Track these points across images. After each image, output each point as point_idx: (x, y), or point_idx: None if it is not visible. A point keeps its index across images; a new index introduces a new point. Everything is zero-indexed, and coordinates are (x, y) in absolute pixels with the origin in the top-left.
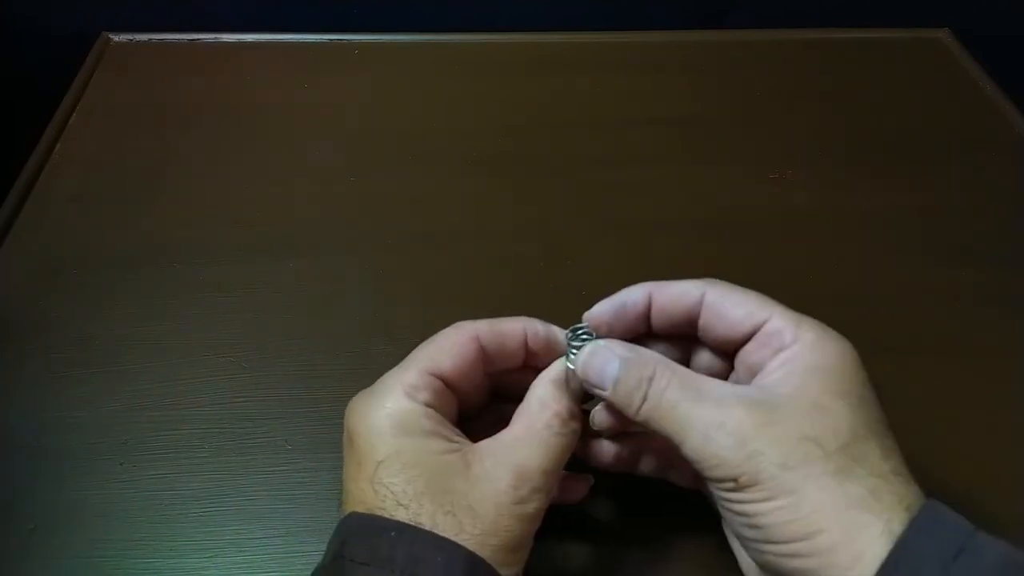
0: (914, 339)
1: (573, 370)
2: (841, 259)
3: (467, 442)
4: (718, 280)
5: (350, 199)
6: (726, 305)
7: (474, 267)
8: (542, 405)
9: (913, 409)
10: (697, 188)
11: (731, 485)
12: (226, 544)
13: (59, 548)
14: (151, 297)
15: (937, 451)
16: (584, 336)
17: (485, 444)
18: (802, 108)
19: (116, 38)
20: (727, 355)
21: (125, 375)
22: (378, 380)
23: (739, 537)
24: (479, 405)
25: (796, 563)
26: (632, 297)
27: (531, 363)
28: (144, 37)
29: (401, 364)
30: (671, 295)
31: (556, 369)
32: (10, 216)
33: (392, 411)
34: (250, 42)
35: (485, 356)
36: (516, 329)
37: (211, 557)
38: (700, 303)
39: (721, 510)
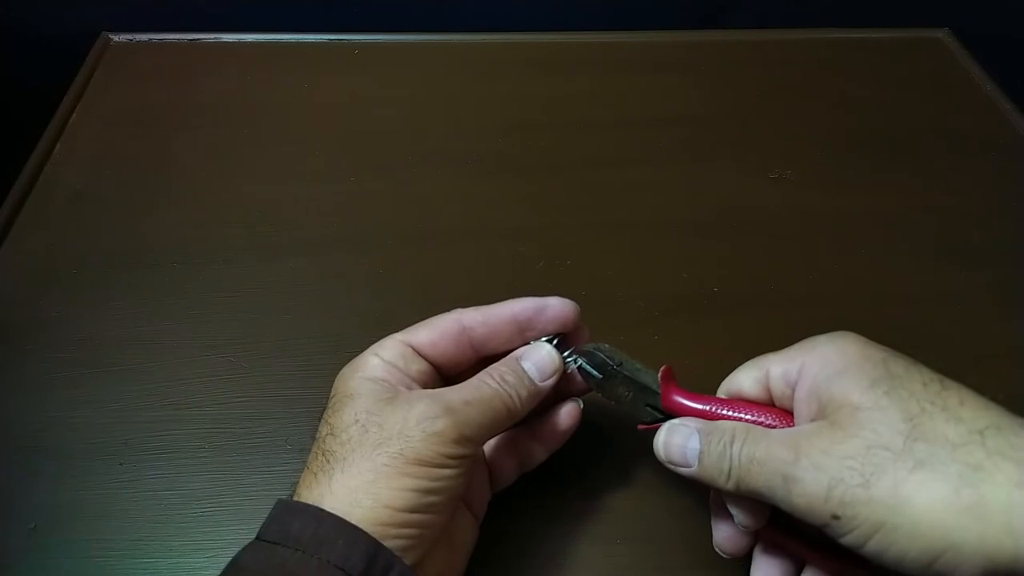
0: (914, 339)
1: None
2: (840, 259)
3: (413, 390)
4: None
5: (350, 199)
6: (743, 383)
7: (474, 267)
8: (490, 368)
9: None
10: (697, 188)
11: (838, 525)
12: (226, 544)
13: (59, 548)
14: (151, 297)
15: None
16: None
17: (421, 390)
18: (802, 108)
19: (116, 38)
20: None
21: (125, 375)
22: None
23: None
24: None
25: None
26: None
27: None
28: (144, 37)
29: None
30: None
31: (519, 350)
32: (10, 216)
33: (359, 365)
34: (250, 42)
35: (472, 335)
36: (503, 307)
37: (211, 557)
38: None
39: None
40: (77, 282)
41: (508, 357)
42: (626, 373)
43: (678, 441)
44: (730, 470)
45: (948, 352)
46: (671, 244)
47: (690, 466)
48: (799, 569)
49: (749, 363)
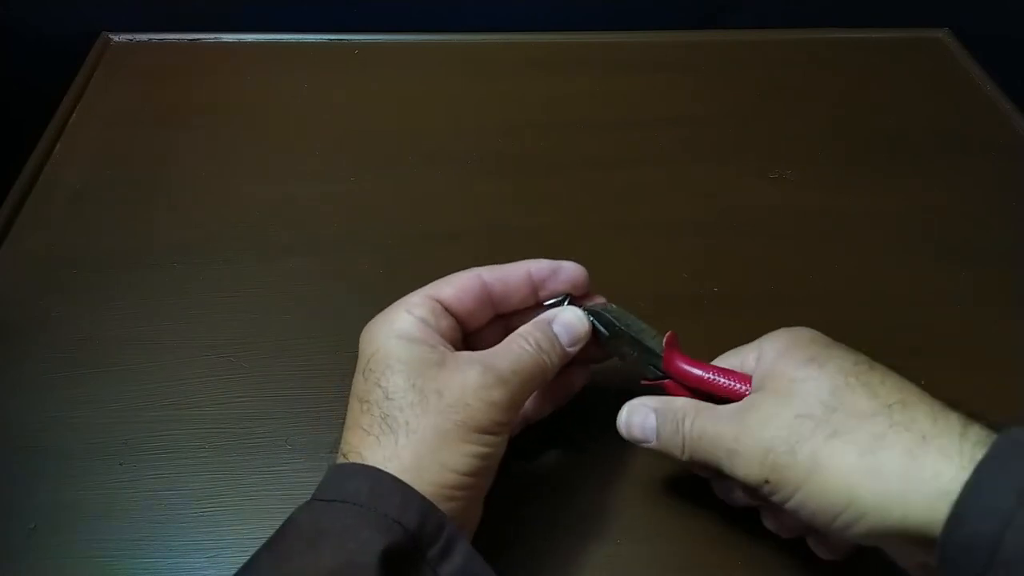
0: (914, 339)
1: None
2: (840, 259)
3: (453, 351)
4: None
5: (350, 199)
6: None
7: (474, 267)
8: (522, 331)
9: None
10: (697, 188)
11: (768, 488)
12: (226, 544)
13: (59, 548)
14: (151, 297)
15: None
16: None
17: (465, 352)
18: (802, 108)
19: (116, 38)
20: None
21: (125, 375)
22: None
23: (817, 533)
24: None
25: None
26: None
27: (542, 300)
28: (144, 37)
29: None
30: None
31: (548, 312)
32: (10, 215)
33: (390, 321)
34: (250, 42)
35: (492, 292)
36: (519, 266)
37: (211, 557)
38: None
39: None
40: (77, 282)
41: (539, 320)
42: (632, 334)
43: (637, 421)
44: (683, 445)
45: (948, 352)
46: (671, 244)
47: (650, 441)
48: None
49: (728, 352)
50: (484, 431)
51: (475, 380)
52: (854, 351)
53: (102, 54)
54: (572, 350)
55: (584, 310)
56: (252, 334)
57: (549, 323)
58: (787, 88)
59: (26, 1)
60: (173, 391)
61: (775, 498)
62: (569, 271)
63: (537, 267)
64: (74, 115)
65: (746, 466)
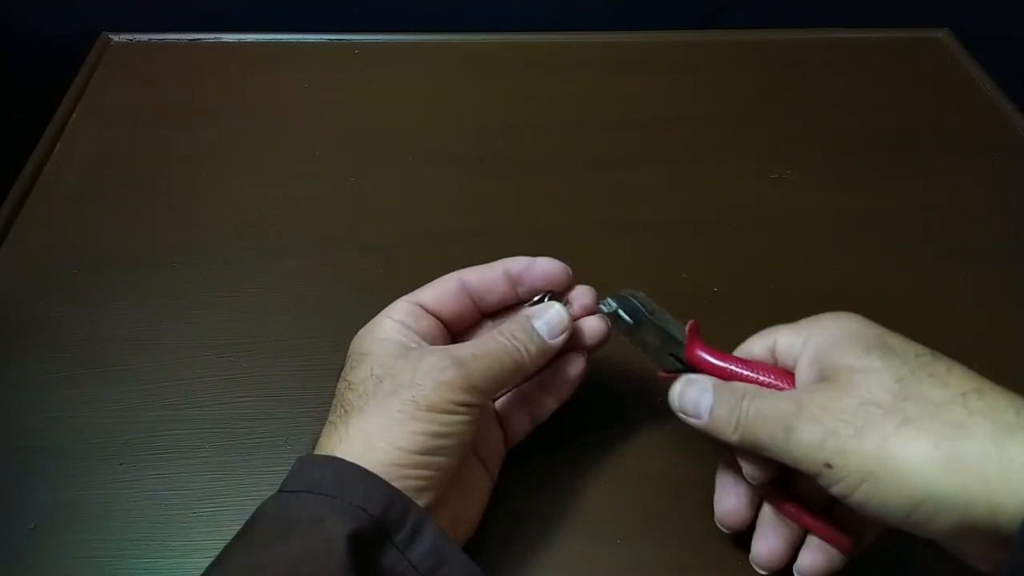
0: (913, 339)
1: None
2: (840, 258)
3: (427, 346)
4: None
5: (350, 199)
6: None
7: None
8: (500, 326)
9: None
10: (697, 188)
11: (830, 475)
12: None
13: (59, 548)
14: (151, 297)
15: None
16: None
17: (436, 346)
18: (802, 108)
19: (116, 38)
20: None
21: (125, 375)
22: None
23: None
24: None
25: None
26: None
27: (522, 297)
28: (144, 37)
29: None
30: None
31: (530, 308)
32: (10, 216)
33: (372, 328)
34: (250, 42)
35: (471, 290)
36: (496, 263)
37: (211, 557)
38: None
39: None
40: (77, 282)
41: (519, 315)
42: (656, 322)
43: (692, 394)
44: (737, 422)
45: (948, 352)
46: (671, 244)
47: (700, 418)
48: (798, 540)
49: (761, 332)
50: (436, 410)
51: (430, 362)
52: (910, 340)
53: (102, 54)
54: (555, 342)
55: (610, 296)
56: (252, 334)
57: (527, 317)
58: (787, 88)
59: (26, 1)
60: (173, 391)
61: (836, 489)
62: (543, 265)
63: (513, 263)
64: (74, 115)
65: (805, 444)
